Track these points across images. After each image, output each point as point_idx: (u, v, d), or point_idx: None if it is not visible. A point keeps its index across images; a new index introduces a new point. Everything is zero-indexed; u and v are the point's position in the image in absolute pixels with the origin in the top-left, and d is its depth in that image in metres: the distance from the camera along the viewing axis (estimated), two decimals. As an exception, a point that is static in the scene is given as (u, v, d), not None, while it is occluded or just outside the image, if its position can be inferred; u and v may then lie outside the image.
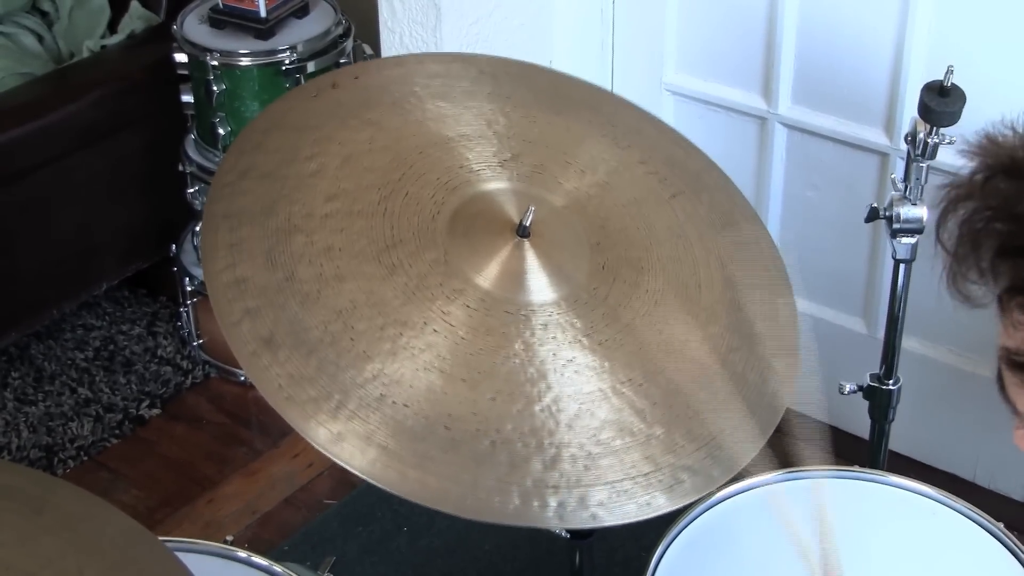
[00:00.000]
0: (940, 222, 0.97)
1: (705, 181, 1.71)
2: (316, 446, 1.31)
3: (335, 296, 1.40)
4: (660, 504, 1.37)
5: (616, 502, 1.34)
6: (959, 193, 0.96)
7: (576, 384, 1.40)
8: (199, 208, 2.80)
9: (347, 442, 1.31)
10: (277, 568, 1.57)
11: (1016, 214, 0.92)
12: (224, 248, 1.42)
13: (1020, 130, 0.97)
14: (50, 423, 2.75)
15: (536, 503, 1.32)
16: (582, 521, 1.33)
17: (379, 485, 1.30)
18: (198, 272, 2.83)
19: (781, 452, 1.55)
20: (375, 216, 1.47)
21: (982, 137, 0.96)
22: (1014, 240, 0.92)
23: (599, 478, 1.35)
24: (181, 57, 2.72)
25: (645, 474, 1.37)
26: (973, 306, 0.96)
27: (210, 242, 1.43)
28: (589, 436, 1.37)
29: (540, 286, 1.47)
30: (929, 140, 1.81)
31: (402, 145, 1.56)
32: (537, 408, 1.37)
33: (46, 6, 3.08)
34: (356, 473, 1.30)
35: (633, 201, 1.62)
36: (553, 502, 1.33)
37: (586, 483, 1.34)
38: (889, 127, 2.36)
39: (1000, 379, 0.99)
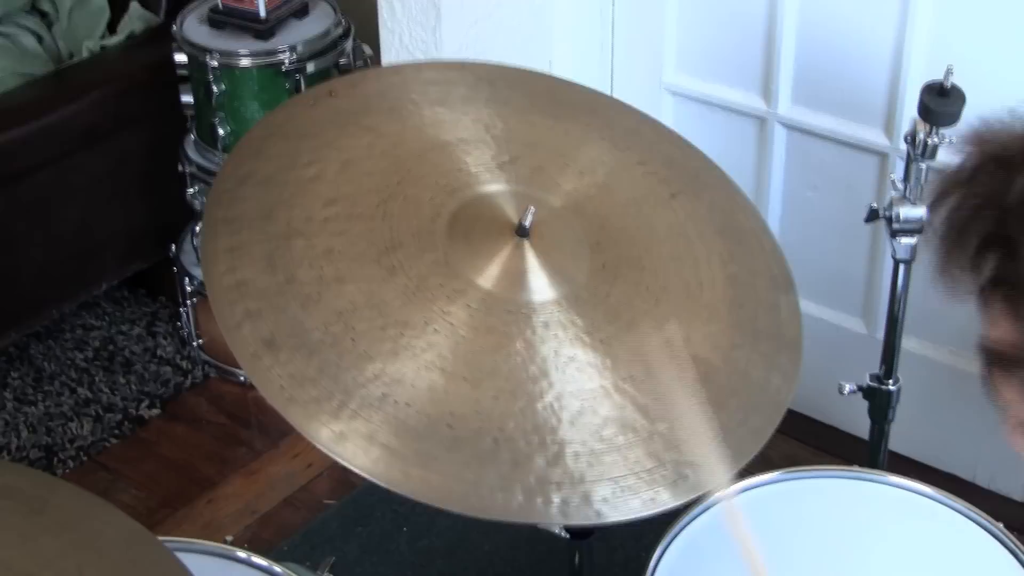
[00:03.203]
0: (931, 211, 0.96)
1: (704, 181, 1.71)
2: (319, 446, 1.31)
3: (335, 298, 1.40)
4: (664, 500, 1.37)
5: (620, 498, 1.35)
6: (949, 183, 0.95)
7: (578, 381, 1.40)
8: (199, 208, 2.80)
9: (350, 442, 1.31)
10: (277, 568, 1.57)
11: (1003, 205, 0.91)
12: (224, 253, 1.43)
13: (1017, 117, 0.95)
14: (50, 423, 2.75)
15: (540, 500, 1.32)
16: (586, 517, 1.33)
17: (382, 484, 1.30)
18: (198, 272, 2.83)
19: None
20: (374, 219, 1.48)
21: (979, 124, 0.95)
22: (1000, 231, 0.91)
23: (603, 474, 1.35)
24: (181, 57, 2.72)
25: (648, 470, 1.37)
26: (958, 298, 0.95)
27: (210, 247, 1.44)
28: (592, 433, 1.37)
29: (540, 285, 1.47)
30: (929, 140, 1.81)
31: (401, 150, 1.56)
32: (539, 406, 1.37)
33: (46, 7, 3.08)
34: (359, 472, 1.30)
35: (633, 201, 1.62)
36: (557, 499, 1.33)
37: (590, 479, 1.34)
38: (889, 127, 2.36)
39: (985, 374, 0.98)
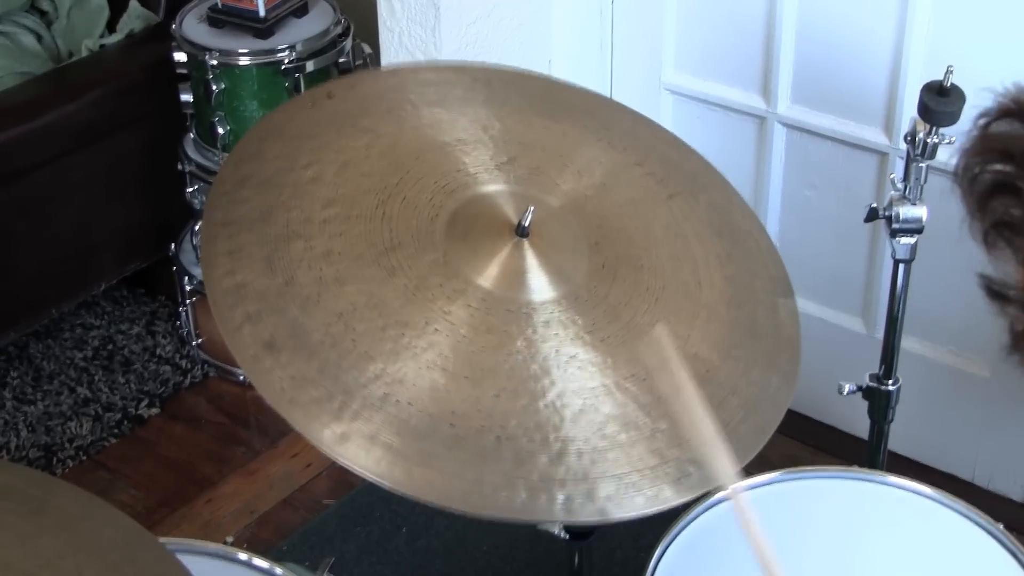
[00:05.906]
0: (955, 168, 1.00)
1: (702, 182, 1.71)
2: (321, 447, 1.31)
3: (335, 299, 1.40)
4: (667, 496, 1.37)
5: (624, 495, 1.34)
6: (968, 139, 0.99)
7: (579, 380, 1.40)
8: (198, 207, 2.80)
9: (352, 442, 1.31)
10: (277, 569, 1.57)
11: (1009, 154, 0.95)
12: (223, 255, 1.43)
13: None
14: (49, 423, 2.75)
15: (543, 497, 1.32)
16: (590, 514, 1.33)
17: (385, 484, 1.30)
18: (197, 271, 2.83)
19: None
20: (373, 220, 1.48)
21: (1010, 85, 1.00)
22: (1005, 178, 0.95)
23: (606, 471, 1.35)
24: (180, 56, 2.72)
25: (652, 467, 1.37)
26: (988, 252, 0.98)
27: (209, 250, 1.44)
28: (594, 431, 1.37)
29: (540, 285, 1.47)
30: (929, 140, 1.81)
31: (399, 151, 1.56)
32: (541, 404, 1.38)
33: (45, 5, 3.07)
34: (362, 473, 1.30)
35: (631, 202, 1.62)
36: (560, 496, 1.33)
37: (593, 476, 1.34)
38: (888, 127, 2.36)
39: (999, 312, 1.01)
